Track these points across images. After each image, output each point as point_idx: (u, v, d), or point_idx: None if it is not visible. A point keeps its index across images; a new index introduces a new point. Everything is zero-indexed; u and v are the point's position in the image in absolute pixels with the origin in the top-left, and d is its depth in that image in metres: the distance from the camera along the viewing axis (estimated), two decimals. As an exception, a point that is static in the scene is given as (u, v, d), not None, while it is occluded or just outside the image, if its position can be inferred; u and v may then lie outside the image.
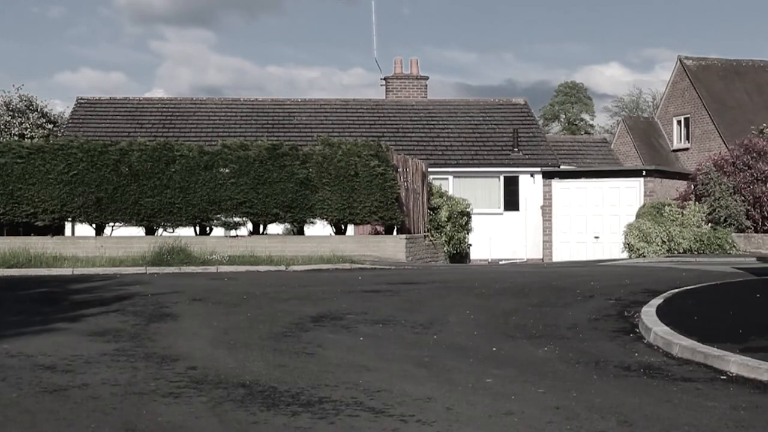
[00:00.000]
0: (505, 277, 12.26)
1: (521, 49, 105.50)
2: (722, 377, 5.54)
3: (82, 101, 28.47)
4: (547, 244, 24.75)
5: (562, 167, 25.32)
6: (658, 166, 27.01)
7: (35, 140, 23.47)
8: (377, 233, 18.95)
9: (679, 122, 37.09)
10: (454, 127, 27.15)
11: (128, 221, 17.32)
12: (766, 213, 23.91)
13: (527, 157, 25.50)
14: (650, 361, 6.09)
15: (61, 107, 71.75)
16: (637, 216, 22.47)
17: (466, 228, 21.90)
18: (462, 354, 6.40)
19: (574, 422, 4.43)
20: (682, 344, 6.32)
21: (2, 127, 32.87)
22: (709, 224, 22.59)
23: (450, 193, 23.07)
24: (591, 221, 24.30)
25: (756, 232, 23.88)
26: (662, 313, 7.70)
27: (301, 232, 18.22)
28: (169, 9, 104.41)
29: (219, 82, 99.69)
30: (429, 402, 4.84)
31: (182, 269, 14.45)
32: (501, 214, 25.04)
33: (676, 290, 9.60)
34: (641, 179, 24.03)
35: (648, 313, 7.72)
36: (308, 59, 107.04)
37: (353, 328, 7.67)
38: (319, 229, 18.66)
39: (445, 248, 20.73)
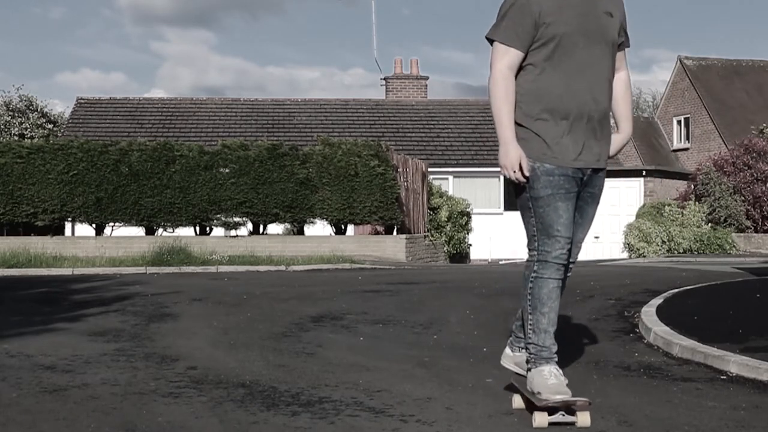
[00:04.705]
0: (506, 277, 12.25)
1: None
2: (722, 377, 5.53)
3: (82, 101, 28.48)
4: (548, 244, 24.77)
5: (562, 167, 25.35)
6: (658, 166, 27.02)
7: (35, 140, 23.48)
8: (377, 233, 18.96)
9: (679, 122, 37.09)
10: (454, 127, 27.16)
11: (128, 221, 17.35)
12: (766, 213, 23.92)
13: (527, 157, 25.53)
14: (650, 361, 6.09)
15: (61, 107, 71.78)
16: (637, 216, 22.47)
17: (466, 228, 21.91)
18: (462, 354, 6.40)
19: (574, 422, 4.42)
20: (682, 344, 6.31)
21: (2, 127, 32.89)
22: (709, 224, 22.60)
23: (450, 193, 23.08)
24: (591, 221, 24.27)
25: (756, 232, 23.89)
26: (662, 313, 7.69)
27: (301, 232, 18.23)
28: (170, 10, 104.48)
29: (219, 83, 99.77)
30: (429, 402, 4.84)
31: (182, 269, 14.45)
32: (501, 214, 25.06)
33: (676, 290, 9.59)
34: (641, 179, 24.04)
35: (648, 313, 7.71)
36: (308, 59, 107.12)
37: (353, 328, 7.66)
38: (319, 229, 18.69)
39: (445, 248, 20.74)
